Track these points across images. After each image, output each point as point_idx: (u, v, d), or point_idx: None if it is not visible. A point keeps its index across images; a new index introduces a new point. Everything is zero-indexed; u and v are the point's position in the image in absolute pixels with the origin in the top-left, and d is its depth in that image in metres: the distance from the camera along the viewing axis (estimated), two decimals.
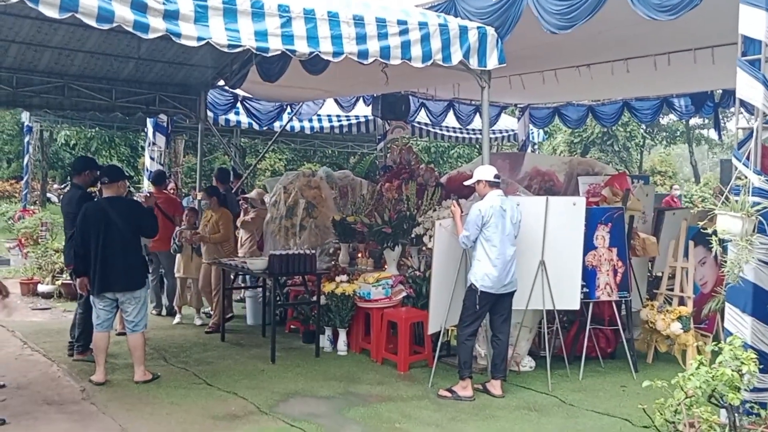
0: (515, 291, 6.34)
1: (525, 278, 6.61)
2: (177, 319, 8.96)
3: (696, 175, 28.24)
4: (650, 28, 6.09)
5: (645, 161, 27.23)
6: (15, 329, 8.25)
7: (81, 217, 6.36)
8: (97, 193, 7.21)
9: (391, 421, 5.54)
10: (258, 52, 5.25)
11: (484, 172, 6.28)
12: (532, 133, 15.08)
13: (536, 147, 16.29)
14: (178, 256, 8.88)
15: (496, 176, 6.29)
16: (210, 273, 8.58)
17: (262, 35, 5.12)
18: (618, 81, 9.41)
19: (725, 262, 4.77)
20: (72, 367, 6.82)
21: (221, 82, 10.10)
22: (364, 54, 5.65)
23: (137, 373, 6.41)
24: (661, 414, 4.15)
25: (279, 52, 5.29)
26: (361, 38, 5.58)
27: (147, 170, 12.12)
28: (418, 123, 13.93)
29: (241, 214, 10.07)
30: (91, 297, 6.45)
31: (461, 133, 15.21)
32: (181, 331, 8.56)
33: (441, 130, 14.83)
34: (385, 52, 5.73)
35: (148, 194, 7.03)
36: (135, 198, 7.30)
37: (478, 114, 13.49)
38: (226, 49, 5.07)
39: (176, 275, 8.97)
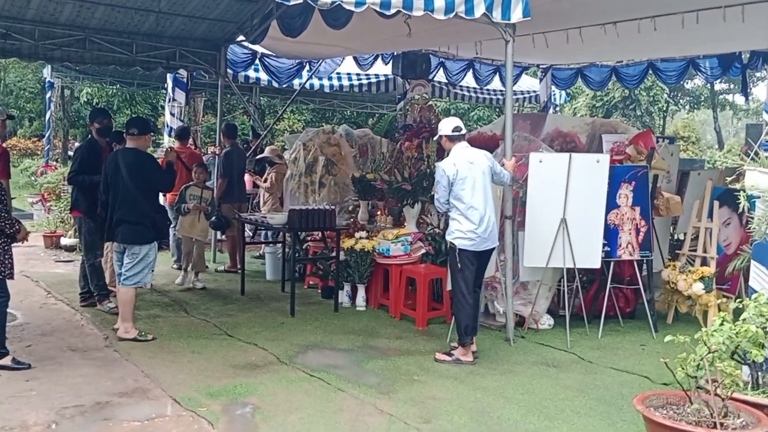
0: (495, 247, 6.10)
1: (546, 236, 6.58)
2: (180, 279, 8.51)
3: (720, 142, 27.80)
4: None
5: (668, 126, 26.85)
6: (39, 279, 8.39)
7: (104, 166, 6.48)
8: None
9: (410, 373, 5.58)
10: (280, 1, 5.18)
11: (444, 125, 6.07)
12: (554, 94, 14.86)
13: (558, 109, 16.07)
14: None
15: (456, 128, 5.98)
16: None
17: None
18: (644, 40, 9.20)
19: (752, 219, 4.71)
20: (95, 315, 6.92)
21: (241, 38, 10.01)
22: (386, 5, 5.56)
23: (120, 327, 6.24)
24: (683, 369, 4.12)
25: (301, 1, 5.22)
26: None
27: (167, 127, 12.11)
28: (438, 82, 13.78)
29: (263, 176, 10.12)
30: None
31: (480, 93, 15.03)
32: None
33: (460, 90, 14.67)
34: (407, 2, 5.62)
35: (169, 148, 7.04)
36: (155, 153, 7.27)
37: (497, 75, 13.32)
38: None
39: (181, 234, 8.48)
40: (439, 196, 5.93)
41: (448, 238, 5.98)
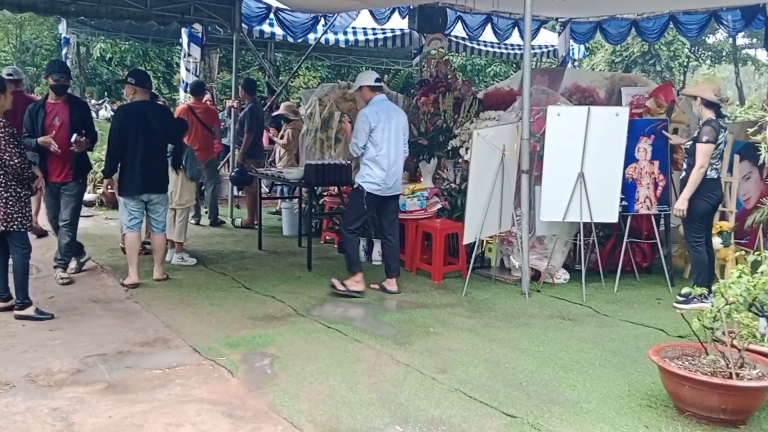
0: (399, 194, 6.73)
1: (563, 190, 6.55)
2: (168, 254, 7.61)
3: (741, 98, 27.30)
4: None
5: (688, 82, 26.41)
6: None
7: (121, 118, 6.52)
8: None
9: (426, 326, 5.63)
10: None
11: (365, 77, 6.54)
12: (573, 49, 14.64)
13: (576, 63, 15.85)
14: None
15: (377, 80, 6.52)
16: None
17: None
18: None
19: None
20: (116, 269, 7.01)
21: None
22: None
23: (156, 272, 6.65)
24: (700, 320, 4.13)
25: None
26: None
27: (183, 82, 12.08)
28: (455, 37, 13.60)
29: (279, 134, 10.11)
30: (122, 198, 6.58)
31: (498, 48, 14.83)
32: (219, 239, 8.72)
33: (478, 45, 14.48)
34: None
35: (164, 102, 7.23)
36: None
37: (516, 29, 13.12)
38: None
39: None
40: (358, 140, 6.34)
41: (358, 180, 6.43)
